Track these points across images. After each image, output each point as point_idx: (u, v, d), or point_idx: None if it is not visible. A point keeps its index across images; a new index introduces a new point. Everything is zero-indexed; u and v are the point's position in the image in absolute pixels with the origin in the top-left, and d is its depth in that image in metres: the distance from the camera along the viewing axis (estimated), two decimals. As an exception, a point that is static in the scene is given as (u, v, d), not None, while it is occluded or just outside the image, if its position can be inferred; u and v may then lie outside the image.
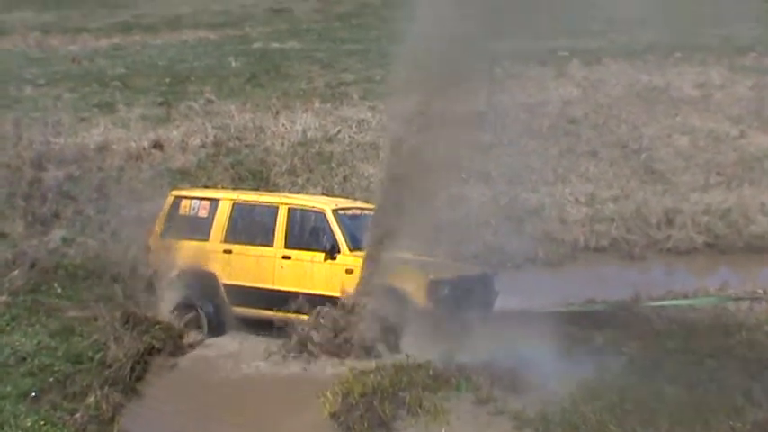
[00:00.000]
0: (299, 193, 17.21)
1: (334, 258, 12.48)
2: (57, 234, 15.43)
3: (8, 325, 12.07)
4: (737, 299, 14.57)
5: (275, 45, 29.30)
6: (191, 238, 13.16)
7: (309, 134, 20.82)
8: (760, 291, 15.01)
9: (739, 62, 24.93)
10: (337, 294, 12.17)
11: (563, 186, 19.35)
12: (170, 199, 13.72)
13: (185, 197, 13.73)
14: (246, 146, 20.24)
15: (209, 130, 20.62)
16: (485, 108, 19.43)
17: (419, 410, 9.81)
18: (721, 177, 19.94)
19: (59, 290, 13.40)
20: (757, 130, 21.67)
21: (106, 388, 10.60)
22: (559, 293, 14.52)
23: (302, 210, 13.02)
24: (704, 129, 21.62)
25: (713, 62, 24.88)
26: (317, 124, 21.29)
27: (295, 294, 12.49)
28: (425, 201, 12.53)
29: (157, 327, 12.27)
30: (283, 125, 21.15)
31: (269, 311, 12.68)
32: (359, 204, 14.13)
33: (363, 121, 21.64)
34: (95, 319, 12.14)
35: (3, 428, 9.61)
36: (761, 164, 20.36)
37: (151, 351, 11.86)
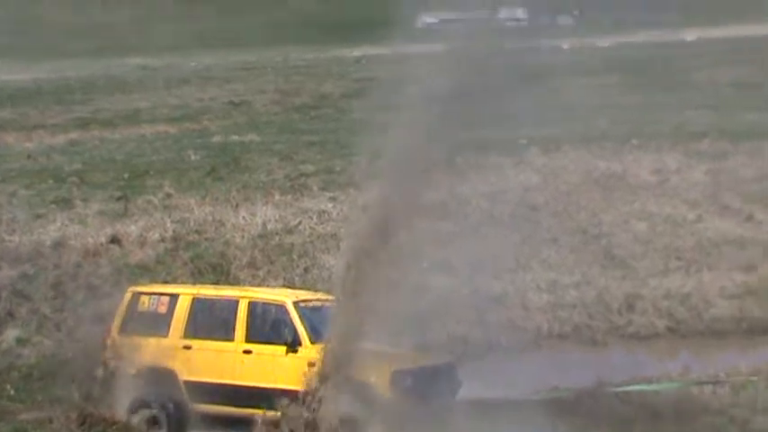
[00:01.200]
0: (259, 286, 17.09)
1: (296, 352, 12.36)
2: (10, 334, 15.19)
3: (-44, 431, 11.78)
4: (700, 383, 14.56)
5: (234, 138, 29.37)
6: (150, 335, 13.00)
7: (270, 226, 20.77)
8: (722, 374, 15.01)
9: (694, 148, 25.26)
10: (300, 388, 12.01)
11: (525, 274, 19.38)
12: (128, 295, 13.58)
13: (144, 293, 13.60)
14: (206, 239, 20.15)
15: (168, 225, 20.52)
16: (447, 197, 19.57)
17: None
18: (680, 262, 20.06)
19: (12, 392, 13.12)
20: (714, 215, 21.88)
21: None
22: (523, 381, 14.42)
23: (263, 303, 12.94)
24: (662, 214, 21.81)
25: (668, 148, 25.18)
26: (277, 216, 21.26)
27: (257, 389, 12.31)
28: (387, 291, 12.48)
29: (115, 427, 12.02)
30: (243, 218, 21.10)
31: (231, 408, 12.49)
32: (320, 296, 14.05)
33: (324, 212, 21.64)
34: (50, 422, 11.89)
35: None
36: (718, 248, 20.51)
37: (109, 452, 11.59)
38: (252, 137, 29.51)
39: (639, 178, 23.60)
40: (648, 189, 22.94)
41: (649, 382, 14.66)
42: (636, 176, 23.68)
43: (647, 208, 22.09)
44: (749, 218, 21.55)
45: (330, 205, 21.94)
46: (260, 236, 20.36)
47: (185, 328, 12.97)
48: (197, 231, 20.39)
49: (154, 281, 17.02)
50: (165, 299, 13.29)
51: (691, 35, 55.79)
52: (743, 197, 22.31)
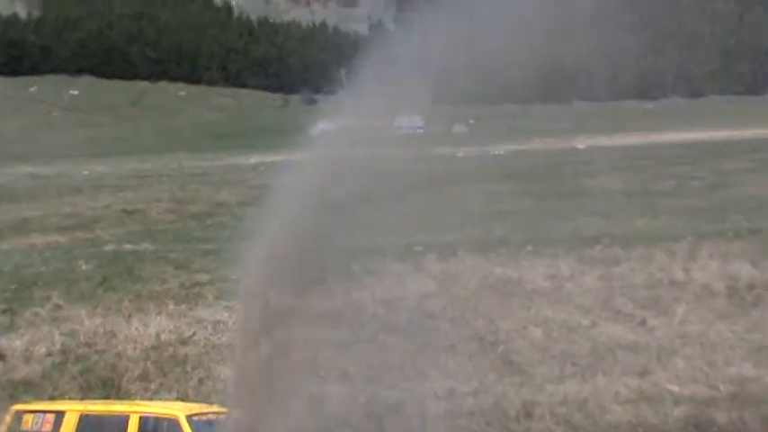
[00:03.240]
0: (151, 399, 16.63)
1: (189, 468, 11.95)
2: None
3: None
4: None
5: (128, 247, 28.91)
6: (33, 456, 12.44)
7: (163, 337, 20.34)
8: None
9: (587, 254, 25.66)
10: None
11: (423, 382, 19.23)
12: (11, 414, 13.03)
13: (28, 411, 13.08)
14: (96, 352, 19.62)
15: (57, 337, 19.96)
16: (342, 305, 19.42)
17: None
18: (576, 367, 20.16)
19: None
20: (607, 320, 22.12)
21: None
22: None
23: (154, 417, 12.53)
24: (557, 320, 21.97)
25: (562, 254, 25.54)
26: (171, 326, 20.84)
27: None
28: (282, 401, 12.21)
29: None
30: (136, 329, 20.63)
31: None
32: (215, 409, 13.68)
33: (219, 321, 21.28)
34: None
35: None
36: (613, 353, 20.69)
37: None
38: (146, 245, 29.08)
39: (535, 284, 23.82)
40: (544, 295, 23.14)
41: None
42: (531, 282, 23.89)
43: (542, 314, 22.24)
44: (642, 323, 21.84)
45: (226, 315, 21.60)
46: (153, 347, 19.91)
47: (72, 447, 12.48)
48: (87, 344, 19.86)
49: (39, 398, 16.44)
50: (51, 417, 12.80)
51: (582, 143, 57.43)
52: (635, 303, 22.64)
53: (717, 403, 18.98)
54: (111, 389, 18.03)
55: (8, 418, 12.96)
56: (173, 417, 12.47)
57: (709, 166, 41.33)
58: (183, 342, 20.29)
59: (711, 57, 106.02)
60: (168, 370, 19.08)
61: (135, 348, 19.82)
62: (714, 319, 21.97)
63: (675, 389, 19.21)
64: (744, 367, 19.99)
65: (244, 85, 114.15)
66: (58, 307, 21.90)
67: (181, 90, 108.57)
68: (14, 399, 15.82)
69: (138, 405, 13.56)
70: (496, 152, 46.78)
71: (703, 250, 25.10)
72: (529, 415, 18.28)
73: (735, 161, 42.78)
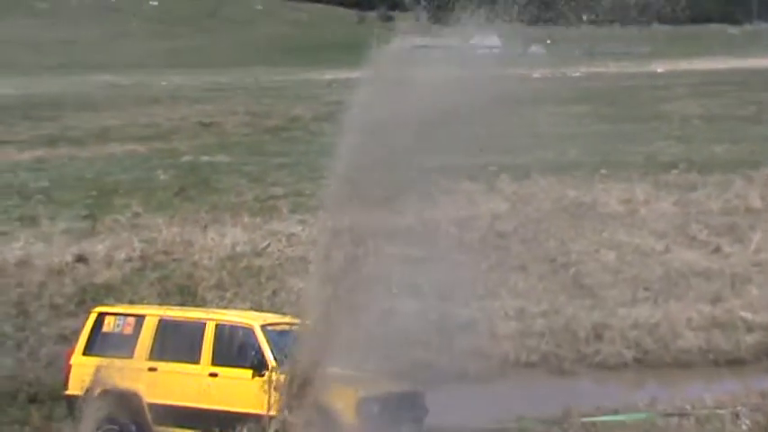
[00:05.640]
0: (227, 308, 16.94)
1: (263, 375, 12.23)
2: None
3: None
4: (667, 415, 14.54)
5: (204, 158, 29.25)
6: (114, 356, 12.81)
7: (238, 248, 20.63)
8: (688, 407, 15.01)
9: (663, 179, 25.40)
10: (266, 413, 11.88)
11: (493, 301, 19.32)
12: (93, 316, 13.39)
13: (109, 314, 13.42)
14: (174, 260, 19.98)
15: (136, 244, 20.34)
16: (415, 222, 19.50)
17: None
18: (648, 292, 20.08)
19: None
20: (681, 246, 21.95)
21: None
22: (490, 410, 14.35)
23: (230, 326, 12.80)
24: (630, 244, 21.85)
25: (638, 179, 25.30)
26: (246, 238, 21.12)
27: (223, 413, 12.17)
28: (355, 315, 12.39)
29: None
30: (212, 239, 20.95)
31: (195, 431, 12.32)
32: (288, 320, 13.92)
33: (293, 234, 21.52)
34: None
35: None
36: (686, 279, 20.56)
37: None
38: (221, 158, 29.40)
39: (608, 208, 23.68)
40: (617, 219, 23.01)
41: (616, 412, 14.62)
42: (605, 206, 23.76)
43: (615, 238, 22.14)
44: (716, 250, 21.64)
45: (299, 228, 21.83)
46: (228, 258, 20.21)
47: (151, 350, 12.80)
48: (165, 252, 20.21)
49: (120, 301, 16.84)
50: (131, 320, 13.12)
51: (660, 67, 56.31)
52: (710, 229, 22.42)
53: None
54: (187, 296, 18.36)
55: (91, 320, 13.31)
56: (248, 326, 12.72)
57: (793, 93, 40.37)
58: (258, 254, 20.56)
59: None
60: (243, 280, 19.37)
61: (211, 258, 20.14)
62: (790, 247, 21.69)
63: (748, 316, 19.07)
64: (818, 296, 19.76)
65: (320, 0, 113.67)
66: (137, 215, 22.30)
67: (258, 3, 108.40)
68: (96, 302, 16.19)
69: (215, 313, 13.86)
70: (573, 74, 46.09)
71: (782, 178, 24.72)
72: (599, 337, 18.29)
73: (818, 88, 41.70)
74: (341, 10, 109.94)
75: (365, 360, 13.51)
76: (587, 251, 21.53)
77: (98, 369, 12.70)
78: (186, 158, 29.29)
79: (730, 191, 24.05)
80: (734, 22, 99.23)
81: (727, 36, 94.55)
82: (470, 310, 18.70)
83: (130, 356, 12.82)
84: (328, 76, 51.73)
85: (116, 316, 13.32)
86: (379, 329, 15.78)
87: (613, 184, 25.03)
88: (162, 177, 26.25)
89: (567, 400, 14.82)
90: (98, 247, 20.07)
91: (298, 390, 11.85)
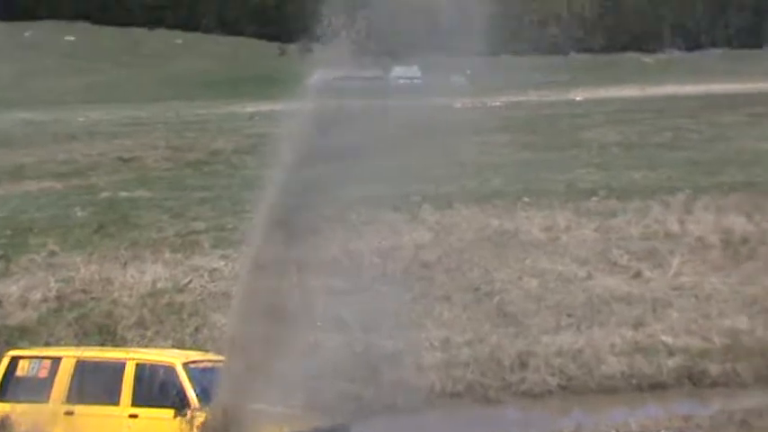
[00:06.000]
0: (147, 347, 16.67)
1: (185, 415, 12.00)
2: None
3: None
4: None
5: (124, 194, 28.81)
6: (29, 401, 12.46)
7: (159, 285, 20.35)
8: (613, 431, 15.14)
9: (583, 206, 25.65)
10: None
11: (418, 331, 19.29)
12: (6, 360, 13.05)
13: (23, 357, 13.10)
14: (92, 299, 19.63)
15: (52, 284, 19.95)
16: (340, 254, 19.42)
17: None
18: (571, 319, 20.24)
19: None
20: (603, 272, 22.17)
21: None
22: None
23: (150, 365, 12.55)
24: (553, 271, 22.01)
25: (559, 206, 25.52)
26: (167, 274, 20.84)
27: (143, 454, 11.91)
28: (279, 350, 12.25)
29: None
30: (132, 276, 20.63)
31: (115, 475, 12.04)
32: (211, 357, 13.70)
33: (215, 269, 21.29)
34: None
35: None
36: (608, 305, 20.76)
37: None
38: (142, 193, 29.00)
39: (531, 235, 23.83)
40: (539, 246, 23.16)
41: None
42: (527, 234, 23.90)
43: (538, 265, 22.28)
44: (637, 275, 21.90)
45: (222, 263, 21.61)
46: (149, 295, 19.92)
47: (68, 394, 12.48)
48: (83, 290, 19.86)
49: (35, 344, 16.47)
50: (47, 362, 12.80)
51: (579, 95, 57.15)
52: (630, 255, 22.69)
53: (710, 355, 19.11)
54: (106, 336, 18.06)
55: (4, 364, 12.95)
56: (169, 364, 12.49)
57: (707, 119, 41.18)
58: (180, 290, 20.30)
59: (709, 9, 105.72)
60: (164, 317, 19.11)
61: (131, 296, 19.83)
62: (708, 271, 22.05)
63: (670, 340, 19.33)
64: (737, 320, 20.10)
65: (241, 33, 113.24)
66: (53, 253, 21.86)
67: (178, 38, 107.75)
68: (10, 344, 15.83)
69: (135, 352, 13.59)
70: (494, 103, 46.53)
71: (699, 203, 25.13)
72: (524, 365, 18.37)
73: (732, 115, 42.61)
74: (263, 43, 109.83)
75: (291, 395, 13.35)
76: (510, 279, 21.63)
77: (12, 415, 12.35)
78: (105, 194, 28.83)
79: (649, 216, 24.37)
80: (648, 50, 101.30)
81: (642, 64, 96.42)
82: (395, 342, 18.65)
83: (46, 401, 12.48)
84: (250, 108, 51.59)
85: (30, 359, 13.01)
86: (305, 363, 15.65)
87: (535, 211, 25.21)
88: (80, 214, 25.78)
89: (494, 428, 14.81)
90: (12, 288, 19.67)
91: (222, 429, 11.65)
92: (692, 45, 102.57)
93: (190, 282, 20.63)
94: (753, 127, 38.60)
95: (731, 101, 48.09)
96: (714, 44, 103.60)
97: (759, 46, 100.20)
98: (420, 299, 20.63)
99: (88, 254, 21.90)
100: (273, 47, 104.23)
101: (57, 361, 12.80)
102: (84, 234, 23.70)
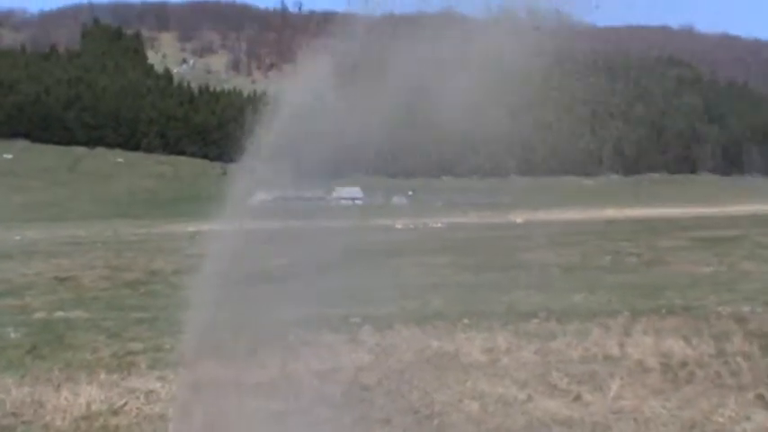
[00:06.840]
0: (78, 471, 16.15)
1: None
2: None
3: None
4: None
5: (59, 314, 28.38)
6: None
7: (94, 407, 19.86)
8: None
9: (523, 328, 25.71)
10: None
11: (357, 456, 18.95)
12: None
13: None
14: (23, 422, 19.07)
15: (-19, 408, 19.37)
16: (278, 375, 19.16)
17: None
18: (512, 442, 20.03)
19: None
20: (543, 394, 22.09)
21: None
22: None
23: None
24: (493, 393, 21.89)
25: (499, 328, 25.56)
26: (102, 396, 20.37)
27: None
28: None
29: None
30: (65, 398, 20.12)
31: None
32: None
33: (152, 391, 20.86)
34: None
35: None
36: (548, 428, 20.62)
37: None
38: (78, 313, 28.58)
39: (471, 357, 23.77)
40: (480, 368, 23.08)
41: None
42: (467, 355, 23.85)
43: (478, 387, 22.16)
44: (577, 398, 21.84)
45: (159, 384, 21.19)
46: (83, 417, 19.42)
47: None
48: (13, 414, 19.30)
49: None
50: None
51: (519, 217, 57.89)
52: (570, 377, 22.67)
53: (651, 480, 18.99)
54: (37, 461, 17.50)
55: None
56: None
57: (645, 243, 41.88)
58: (115, 412, 19.82)
59: (646, 136, 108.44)
60: (98, 441, 18.60)
61: (64, 419, 19.31)
62: (648, 395, 22.07)
63: (610, 465, 19.19)
64: (677, 444, 20.06)
65: (183, 153, 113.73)
66: (-17, 376, 21.31)
67: (118, 156, 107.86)
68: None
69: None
70: (435, 224, 46.95)
71: (638, 326, 25.31)
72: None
73: (669, 239, 43.42)
74: (205, 162, 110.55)
75: None
76: (451, 402, 21.45)
77: None
78: (40, 315, 28.36)
79: (589, 339, 24.47)
80: (588, 174, 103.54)
81: (582, 187, 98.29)
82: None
83: None
84: (191, 228, 51.49)
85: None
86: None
87: (475, 333, 25.21)
88: (12, 335, 25.27)
89: None
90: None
91: None
92: (631, 169, 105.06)
93: (125, 404, 20.18)
94: (689, 251, 39.30)
95: (669, 225, 49.08)
96: (652, 169, 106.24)
97: (694, 171, 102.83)
98: (360, 421, 20.34)
99: (20, 376, 21.38)
100: (216, 166, 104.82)
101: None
102: (16, 355, 23.20)
